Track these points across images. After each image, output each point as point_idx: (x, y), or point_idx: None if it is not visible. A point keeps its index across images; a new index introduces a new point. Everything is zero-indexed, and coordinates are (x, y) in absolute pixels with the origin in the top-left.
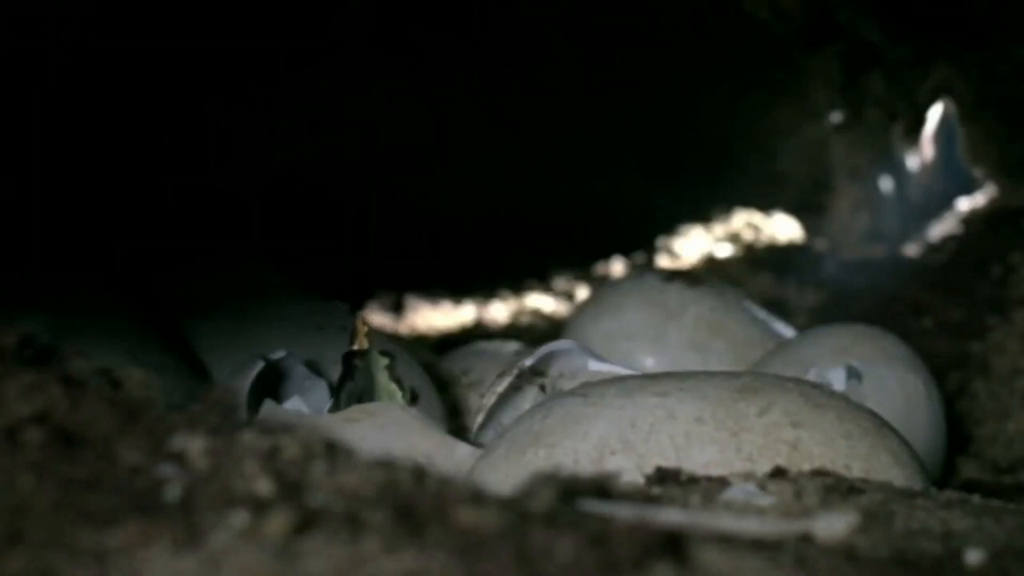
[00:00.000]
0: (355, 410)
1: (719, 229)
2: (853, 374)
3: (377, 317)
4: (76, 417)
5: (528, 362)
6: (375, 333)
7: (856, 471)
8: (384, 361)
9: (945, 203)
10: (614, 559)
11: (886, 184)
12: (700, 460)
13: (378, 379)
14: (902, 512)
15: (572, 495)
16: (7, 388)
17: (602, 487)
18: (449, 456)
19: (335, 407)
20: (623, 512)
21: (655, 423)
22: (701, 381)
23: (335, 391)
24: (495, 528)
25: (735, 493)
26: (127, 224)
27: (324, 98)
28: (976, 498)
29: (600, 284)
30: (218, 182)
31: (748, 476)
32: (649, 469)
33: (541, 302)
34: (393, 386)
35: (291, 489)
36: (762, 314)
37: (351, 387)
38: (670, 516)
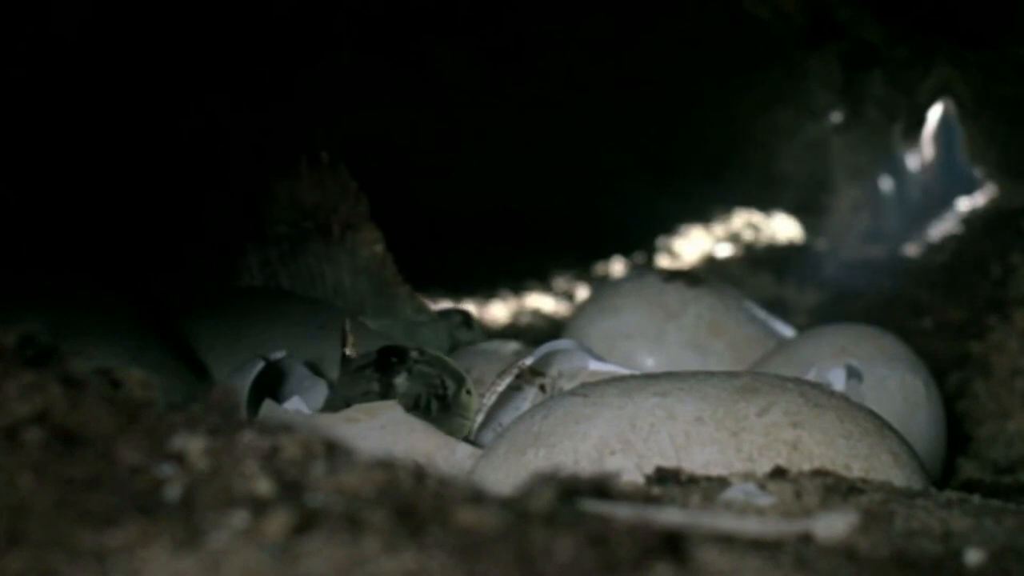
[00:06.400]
0: (355, 410)
1: (719, 229)
2: (853, 374)
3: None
4: (76, 417)
5: (528, 362)
6: (360, 336)
7: (856, 471)
8: (467, 384)
9: (945, 203)
10: (614, 559)
11: (886, 184)
12: (700, 460)
13: (460, 399)
14: (902, 512)
15: (572, 495)
16: (7, 388)
17: (602, 487)
18: (449, 456)
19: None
20: (623, 512)
21: (655, 423)
22: (701, 381)
23: (332, 395)
24: (495, 528)
25: (735, 493)
26: (127, 224)
27: (323, 99)
28: (976, 498)
29: (600, 284)
30: (218, 182)
31: (748, 476)
32: (649, 469)
33: (541, 302)
34: (469, 399)
35: (291, 489)
36: (762, 314)
37: (343, 393)
38: (670, 516)
